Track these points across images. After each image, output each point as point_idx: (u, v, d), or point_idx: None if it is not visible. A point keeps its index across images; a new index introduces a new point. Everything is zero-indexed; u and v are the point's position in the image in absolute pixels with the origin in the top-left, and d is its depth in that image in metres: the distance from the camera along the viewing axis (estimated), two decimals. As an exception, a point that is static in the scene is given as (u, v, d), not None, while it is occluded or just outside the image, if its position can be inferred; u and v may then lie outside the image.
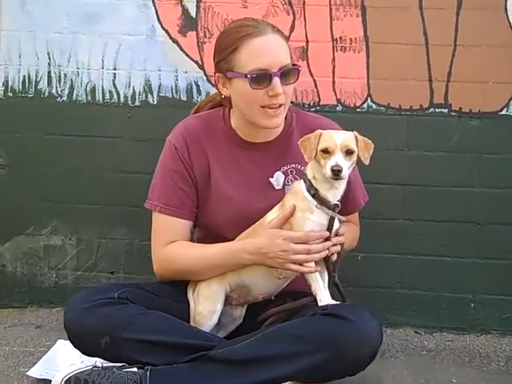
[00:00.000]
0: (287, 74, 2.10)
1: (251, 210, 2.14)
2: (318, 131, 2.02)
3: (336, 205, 2.01)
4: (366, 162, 1.99)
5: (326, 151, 1.96)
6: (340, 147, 1.94)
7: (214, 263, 2.15)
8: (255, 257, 2.06)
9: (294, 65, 2.16)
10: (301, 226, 2.02)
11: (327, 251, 2.02)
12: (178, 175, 2.22)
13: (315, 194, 2.00)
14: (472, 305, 2.80)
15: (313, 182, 2.02)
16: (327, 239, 2.03)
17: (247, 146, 2.23)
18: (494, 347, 2.65)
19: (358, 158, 2.00)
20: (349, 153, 1.95)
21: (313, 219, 2.01)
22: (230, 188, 2.20)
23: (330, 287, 2.08)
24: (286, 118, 2.24)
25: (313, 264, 2.02)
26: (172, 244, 2.21)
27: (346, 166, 1.94)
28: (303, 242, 2.01)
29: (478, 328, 2.79)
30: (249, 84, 2.08)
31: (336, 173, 1.92)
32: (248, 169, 2.21)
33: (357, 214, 2.41)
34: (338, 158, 1.93)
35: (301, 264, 2.02)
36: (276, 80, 2.07)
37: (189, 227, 2.26)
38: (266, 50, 2.09)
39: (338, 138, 1.96)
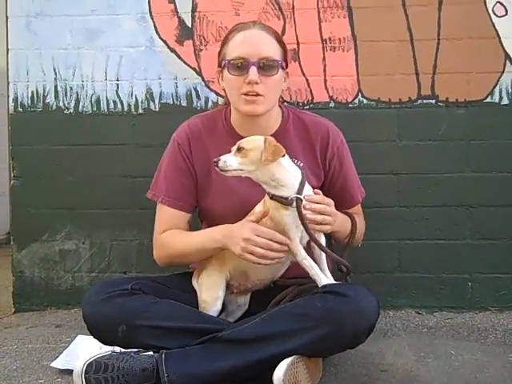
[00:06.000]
0: (266, 65, 2.21)
1: (251, 202, 2.20)
2: None
3: (296, 198, 2.04)
4: (264, 162, 2.01)
5: None
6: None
7: (196, 245, 2.23)
8: (224, 238, 2.14)
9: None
10: (280, 221, 2.08)
11: (280, 254, 2.07)
12: (179, 169, 2.34)
13: (273, 196, 2.08)
14: (469, 284, 2.84)
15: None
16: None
17: None
18: (491, 322, 2.69)
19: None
20: (239, 150, 2.03)
21: (287, 213, 2.06)
22: (233, 181, 2.24)
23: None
24: (282, 114, 2.35)
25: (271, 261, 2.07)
26: (166, 232, 2.32)
27: (230, 160, 2.02)
28: (268, 238, 2.05)
29: (476, 306, 2.83)
30: (227, 70, 2.23)
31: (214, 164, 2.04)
32: None
33: (359, 207, 2.45)
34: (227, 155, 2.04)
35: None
36: (253, 69, 2.18)
37: (186, 219, 2.36)
38: (247, 41, 2.23)
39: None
